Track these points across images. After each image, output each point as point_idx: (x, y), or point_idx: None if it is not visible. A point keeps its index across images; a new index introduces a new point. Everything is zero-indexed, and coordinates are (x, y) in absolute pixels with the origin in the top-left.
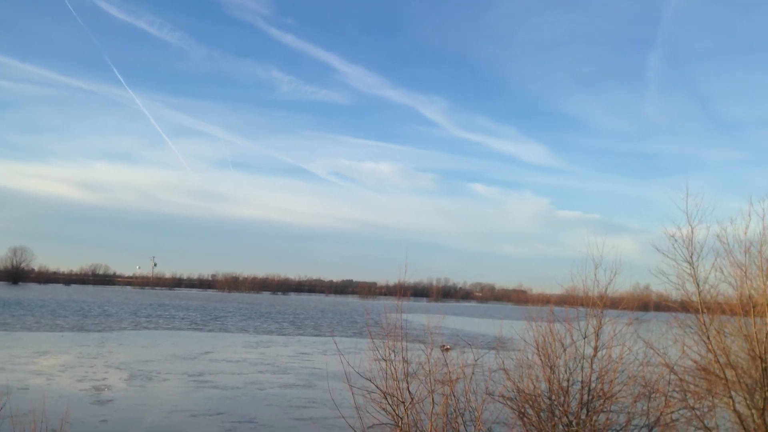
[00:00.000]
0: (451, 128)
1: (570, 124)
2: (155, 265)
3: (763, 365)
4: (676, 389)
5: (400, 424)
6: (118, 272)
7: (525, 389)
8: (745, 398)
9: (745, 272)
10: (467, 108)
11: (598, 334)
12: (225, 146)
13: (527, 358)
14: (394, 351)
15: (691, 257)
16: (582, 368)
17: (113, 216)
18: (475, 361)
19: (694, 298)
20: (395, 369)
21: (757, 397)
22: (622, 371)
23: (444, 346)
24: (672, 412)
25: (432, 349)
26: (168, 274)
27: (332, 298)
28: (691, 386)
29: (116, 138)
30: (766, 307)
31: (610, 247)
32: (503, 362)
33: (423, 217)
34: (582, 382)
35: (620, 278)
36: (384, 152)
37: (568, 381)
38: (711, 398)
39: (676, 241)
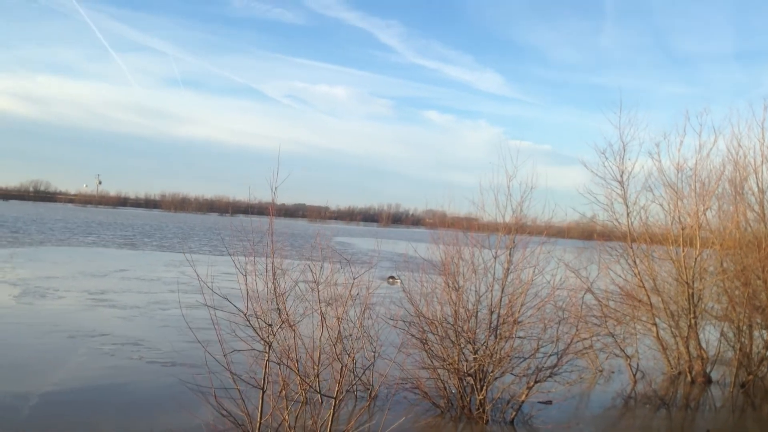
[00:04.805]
0: (408, 54)
1: (526, 53)
2: (100, 183)
3: (690, 291)
4: (595, 314)
5: (266, 350)
6: (61, 189)
7: (426, 313)
8: (670, 325)
9: (676, 191)
10: (424, 34)
11: (511, 255)
12: (174, 63)
13: (433, 281)
14: (276, 268)
15: (621, 176)
16: (492, 292)
17: (57, 132)
18: (369, 280)
19: (623, 220)
20: (273, 289)
21: (682, 324)
22: (536, 295)
23: (392, 277)
24: (586, 339)
25: (321, 267)
26: (113, 193)
27: (281, 221)
28: (613, 311)
29: (59, 50)
30: (696, 231)
31: (560, 177)
32: (408, 285)
33: (377, 143)
34: (491, 305)
35: (564, 210)
36: (339, 76)
37: (475, 305)
38: (633, 324)
39: (606, 158)
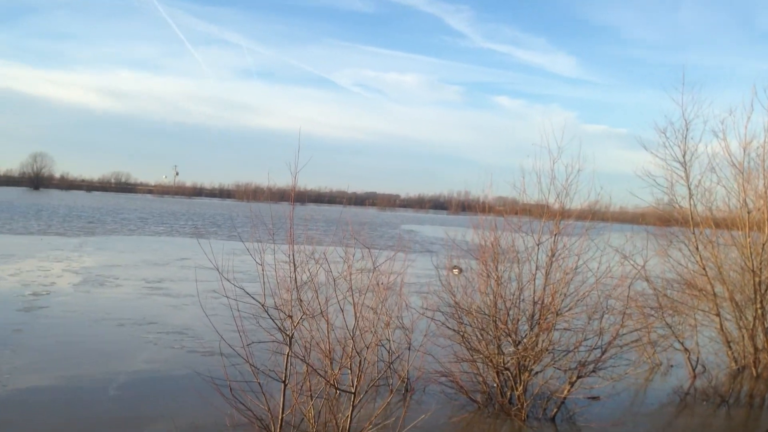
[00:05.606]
0: (478, 39)
1: (601, 34)
2: (177, 174)
3: (756, 279)
4: (650, 304)
5: (288, 342)
6: (141, 181)
7: (462, 303)
8: (735, 316)
9: (743, 172)
10: (494, 17)
11: (556, 240)
12: (248, 55)
13: (472, 269)
14: (307, 256)
15: (683, 156)
16: (534, 280)
17: (137, 125)
18: (404, 267)
19: (684, 203)
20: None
21: (748, 315)
22: (583, 282)
23: (456, 267)
24: (635, 331)
25: (353, 255)
26: (189, 184)
27: (350, 209)
28: (670, 301)
29: (140, 46)
30: (765, 214)
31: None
32: (447, 274)
33: (447, 130)
34: (534, 295)
35: (610, 193)
36: (409, 63)
37: (515, 294)
38: (693, 315)
39: (667, 138)
